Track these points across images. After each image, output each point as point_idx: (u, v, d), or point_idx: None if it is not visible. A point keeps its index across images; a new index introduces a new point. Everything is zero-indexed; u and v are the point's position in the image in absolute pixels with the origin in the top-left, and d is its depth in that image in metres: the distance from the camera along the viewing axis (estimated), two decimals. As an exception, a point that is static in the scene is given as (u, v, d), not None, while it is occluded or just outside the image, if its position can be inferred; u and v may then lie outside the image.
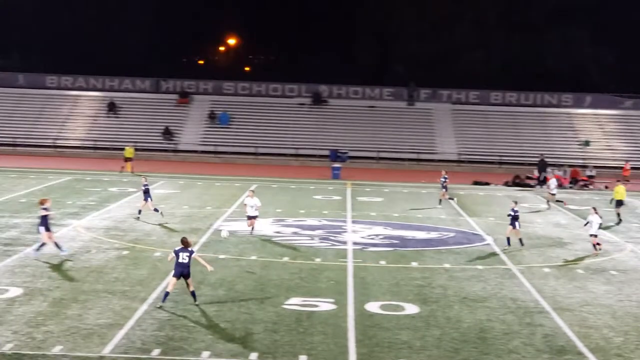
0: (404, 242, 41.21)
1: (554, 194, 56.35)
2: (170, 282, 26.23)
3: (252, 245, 38.37)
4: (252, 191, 41.82)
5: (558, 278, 33.62)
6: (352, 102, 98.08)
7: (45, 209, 34.21)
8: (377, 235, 42.68)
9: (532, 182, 70.37)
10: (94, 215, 45.50)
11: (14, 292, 28.22)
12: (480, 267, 35.36)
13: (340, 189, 61.83)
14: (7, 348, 22.43)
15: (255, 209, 40.95)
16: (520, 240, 40.06)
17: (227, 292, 29.28)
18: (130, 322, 25.10)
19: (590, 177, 72.14)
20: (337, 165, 74.05)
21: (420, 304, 28.57)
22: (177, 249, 26.92)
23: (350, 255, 36.80)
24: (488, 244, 40.65)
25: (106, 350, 22.49)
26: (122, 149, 73.37)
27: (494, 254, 38.41)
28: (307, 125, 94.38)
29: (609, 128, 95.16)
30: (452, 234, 43.97)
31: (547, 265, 36.19)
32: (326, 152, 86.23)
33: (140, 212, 45.28)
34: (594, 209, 39.51)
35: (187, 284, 26.99)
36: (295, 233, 42.52)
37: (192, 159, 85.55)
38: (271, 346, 23.39)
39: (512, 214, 39.53)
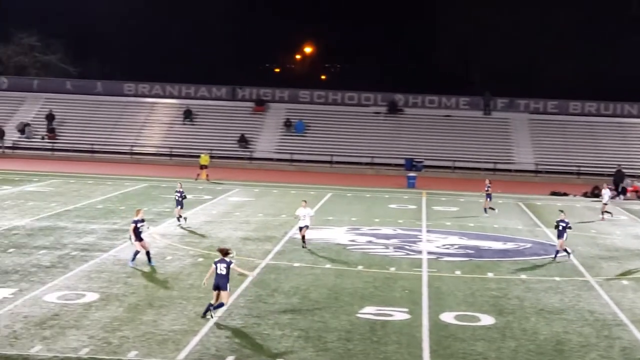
0: (479, 252, 40.94)
1: (606, 204, 55.51)
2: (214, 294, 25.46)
3: (326, 254, 38.32)
4: (305, 201, 41.42)
5: (636, 290, 33.18)
6: (428, 111, 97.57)
7: (139, 220, 34.33)
8: (452, 245, 42.47)
9: (611, 194, 69.52)
10: (169, 222, 45.78)
11: (91, 297, 28.49)
12: (557, 278, 34.97)
13: (416, 198, 61.64)
14: (84, 352, 22.63)
15: (309, 218, 40.41)
16: (566, 249, 39.28)
17: (301, 300, 29.28)
18: (205, 329, 25.19)
19: (670, 187, 71.19)
20: (412, 174, 73.80)
21: (496, 315, 28.34)
22: (216, 259, 26.01)
23: (425, 264, 36.63)
24: (565, 256, 40.22)
25: (180, 357, 22.59)
26: (198, 157, 73.72)
27: (571, 265, 37.98)
28: (382, 134, 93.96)
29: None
30: (528, 245, 43.60)
31: (626, 277, 35.74)
32: (401, 161, 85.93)
33: (179, 219, 45.39)
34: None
35: (219, 296, 25.72)
36: (369, 242, 42.41)
37: (267, 166, 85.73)
38: (345, 355, 23.34)
39: (563, 225, 38.75)
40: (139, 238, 34.00)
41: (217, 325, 25.61)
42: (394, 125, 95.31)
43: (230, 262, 25.38)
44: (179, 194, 45.30)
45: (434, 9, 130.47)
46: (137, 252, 33.93)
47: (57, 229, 41.83)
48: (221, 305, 25.39)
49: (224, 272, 25.07)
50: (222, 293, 24.91)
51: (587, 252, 41.78)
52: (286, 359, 22.81)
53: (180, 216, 45.26)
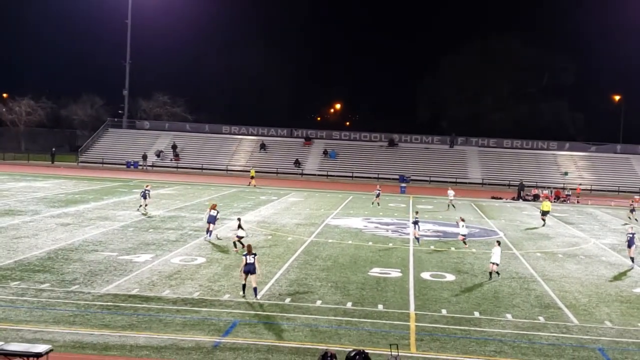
0: (446, 234, 40.62)
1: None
2: (241, 276, 23.01)
3: (349, 235, 38.22)
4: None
5: (545, 260, 32.83)
6: (414, 145, 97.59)
7: (215, 211, 34.36)
8: (428, 229, 42.15)
9: (528, 198, 68.90)
10: (250, 213, 45.85)
11: (200, 260, 28.58)
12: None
13: (406, 200, 61.37)
14: (196, 295, 22.70)
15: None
16: (632, 259, 32.34)
17: (333, 264, 29.19)
18: (272, 281, 25.19)
19: (568, 195, 70.45)
20: (403, 184, 73.48)
21: (456, 274, 28.13)
22: (245, 253, 22.84)
23: (411, 242, 36.41)
24: (500, 237, 39.83)
25: (257, 298, 22.57)
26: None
27: (504, 243, 37.50)
28: (385, 159, 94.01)
29: (580, 164, 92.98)
30: (477, 230, 43.25)
31: (539, 251, 35.36)
32: (397, 176, 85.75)
33: (139, 207, 43.52)
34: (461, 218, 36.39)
35: (252, 280, 22.71)
36: (376, 227, 42.21)
37: (312, 179, 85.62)
38: (360, 298, 23.24)
39: (630, 236, 32.28)
40: (212, 222, 33.96)
41: (279, 279, 25.61)
42: (392, 154, 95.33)
43: (255, 254, 22.92)
44: (144, 191, 43.31)
45: (421, 80, 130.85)
46: (211, 231, 34.02)
47: (179, 217, 42.01)
48: (255, 289, 22.65)
49: (252, 261, 22.46)
50: (252, 276, 22.77)
51: (514, 235, 41.38)
52: (323, 300, 22.73)
53: (142, 207, 43.12)
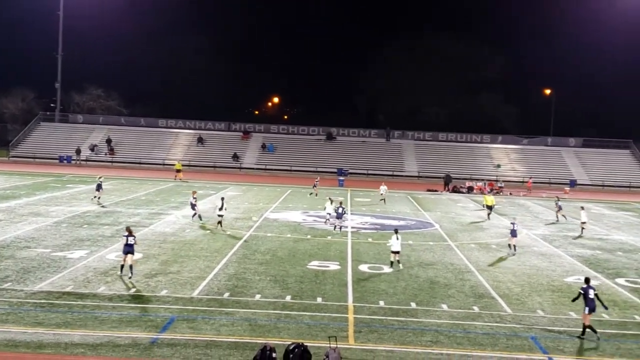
0: (383, 226, 40.96)
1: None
2: (123, 258, 24.18)
3: (288, 228, 38.23)
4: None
5: (479, 250, 33.48)
6: (352, 139, 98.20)
7: (194, 198, 39.61)
8: (366, 222, 42.50)
9: (463, 190, 70.05)
10: (188, 208, 45.29)
11: (137, 256, 28.02)
12: (431, 243, 35.18)
13: (344, 193, 61.67)
14: (132, 291, 22.44)
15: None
16: None
17: (272, 258, 29.17)
18: (210, 276, 25.04)
19: (500, 187, 71.92)
20: (342, 178, 73.87)
21: (393, 265, 28.39)
22: (125, 235, 24.28)
23: (349, 234, 36.64)
24: (436, 229, 40.42)
25: (195, 293, 22.45)
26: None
27: (440, 235, 38.20)
28: (323, 153, 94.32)
29: (513, 156, 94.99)
30: (413, 222, 43.78)
31: (473, 242, 36.01)
32: (335, 169, 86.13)
33: (93, 198, 45.84)
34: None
35: (128, 260, 24.06)
36: (315, 220, 42.31)
37: (251, 173, 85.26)
38: (299, 291, 23.29)
39: (513, 226, 33.39)
40: (193, 208, 39.21)
41: (218, 274, 25.48)
42: (330, 147, 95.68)
43: (134, 236, 24.32)
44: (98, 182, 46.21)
45: (358, 74, 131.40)
46: (196, 214, 38.71)
47: (115, 212, 41.34)
48: (131, 267, 24.01)
49: (132, 242, 23.92)
50: (130, 256, 23.77)
51: (449, 226, 42.02)
52: (262, 294, 22.70)
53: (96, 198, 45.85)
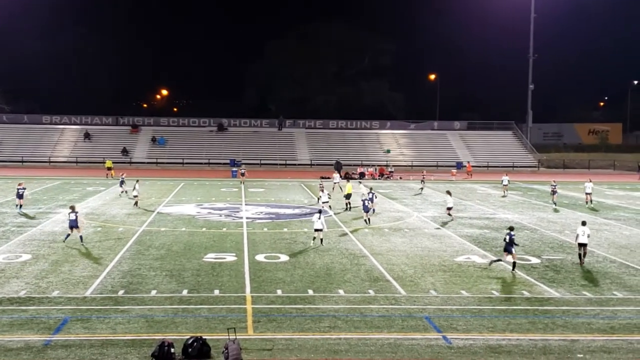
0: (278, 215, 41.09)
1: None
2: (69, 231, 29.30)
3: (182, 222, 37.74)
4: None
5: (373, 235, 34.01)
6: (243, 129, 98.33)
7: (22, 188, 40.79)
8: (261, 212, 42.50)
9: (355, 177, 71.05)
10: (77, 205, 43.73)
11: (26, 257, 27.14)
12: (326, 229, 35.49)
13: (237, 184, 61.41)
14: (22, 293, 21.57)
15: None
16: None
17: (167, 252, 28.71)
18: (103, 274, 24.40)
19: (391, 172, 73.43)
20: (235, 169, 73.54)
21: (289, 254, 28.50)
22: (69, 211, 30.07)
23: (245, 225, 36.53)
24: (331, 216, 40.87)
25: (88, 292, 21.81)
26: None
27: (334, 222, 38.62)
28: (215, 144, 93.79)
29: (401, 141, 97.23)
30: (308, 210, 44.07)
31: (367, 228, 36.57)
32: (227, 161, 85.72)
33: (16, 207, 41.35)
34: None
35: (77, 233, 29.61)
36: (209, 212, 41.96)
37: (142, 167, 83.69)
38: (196, 285, 23.03)
39: (364, 201, 38.43)
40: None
41: (111, 271, 24.89)
42: (222, 138, 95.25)
43: (77, 212, 29.84)
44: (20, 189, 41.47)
45: (248, 64, 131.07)
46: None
47: (0, 213, 39.64)
48: (81, 237, 29.82)
49: (74, 218, 29.41)
50: (76, 229, 29.29)
51: (343, 213, 42.52)
52: (158, 289, 22.34)
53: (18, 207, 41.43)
